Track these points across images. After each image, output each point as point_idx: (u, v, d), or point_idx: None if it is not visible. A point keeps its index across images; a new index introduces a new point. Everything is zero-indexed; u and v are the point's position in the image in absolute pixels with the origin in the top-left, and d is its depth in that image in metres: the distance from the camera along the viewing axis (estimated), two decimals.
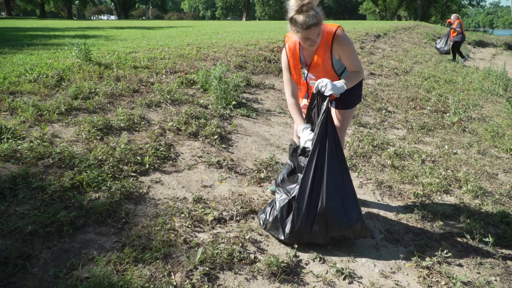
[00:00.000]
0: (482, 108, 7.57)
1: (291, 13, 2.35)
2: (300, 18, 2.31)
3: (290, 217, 2.49)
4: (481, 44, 22.89)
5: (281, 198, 2.57)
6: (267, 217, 2.63)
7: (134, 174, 3.06)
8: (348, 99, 2.86)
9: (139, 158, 3.25)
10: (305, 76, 2.83)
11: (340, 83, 2.46)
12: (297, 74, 2.70)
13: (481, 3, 52.53)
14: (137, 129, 3.80)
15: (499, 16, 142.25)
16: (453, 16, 13.56)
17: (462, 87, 9.10)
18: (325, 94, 2.42)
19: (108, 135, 3.55)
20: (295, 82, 2.71)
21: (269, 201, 2.75)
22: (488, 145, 5.42)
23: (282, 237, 2.53)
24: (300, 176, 2.48)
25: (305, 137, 2.50)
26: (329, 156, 2.42)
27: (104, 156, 3.11)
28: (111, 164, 3.03)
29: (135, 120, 3.88)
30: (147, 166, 3.20)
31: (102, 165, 3.01)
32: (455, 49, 13.46)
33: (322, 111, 2.43)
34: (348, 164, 4.00)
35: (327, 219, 2.44)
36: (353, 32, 14.05)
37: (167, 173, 3.24)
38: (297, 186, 2.48)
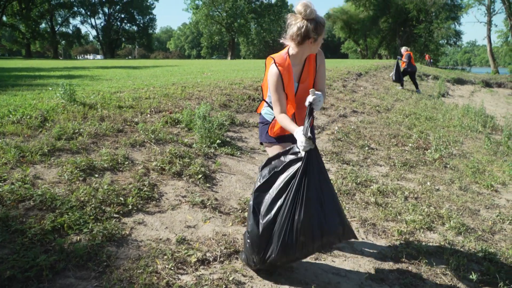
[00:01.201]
0: (463, 145, 7.75)
1: (309, 25, 2.45)
2: (321, 19, 2.50)
3: (275, 235, 2.40)
4: (460, 81, 23.67)
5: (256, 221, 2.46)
6: (246, 248, 2.55)
7: (117, 216, 3.02)
8: None
9: (122, 199, 3.22)
10: (295, 91, 2.73)
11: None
12: (290, 90, 2.64)
13: (458, 43, 54.74)
14: (120, 169, 3.78)
15: (476, 54, 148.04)
16: (403, 48, 14.75)
17: (442, 124, 9.34)
18: (315, 108, 2.43)
19: (91, 175, 3.52)
20: (285, 102, 2.63)
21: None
22: (469, 181, 5.52)
23: (269, 258, 2.43)
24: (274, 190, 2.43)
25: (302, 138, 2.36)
26: (310, 167, 2.39)
27: (86, 198, 3.08)
28: (93, 205, 3.00)
29: (119, 160, 3.87)
30: (130, 207, 3.17)
31: (84, 207, 2.97)
32: (412, 79, 14.67)
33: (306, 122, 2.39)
34: None
35: (311, 227, 2.38)
36: (336, 71, 14.44)
37: (151, 213, 3.21)
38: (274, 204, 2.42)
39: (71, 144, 3.96)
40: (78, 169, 3.50)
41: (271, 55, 2.70)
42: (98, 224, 2.82)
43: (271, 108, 2.77)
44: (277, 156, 2.55)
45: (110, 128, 4.58)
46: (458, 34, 51.16)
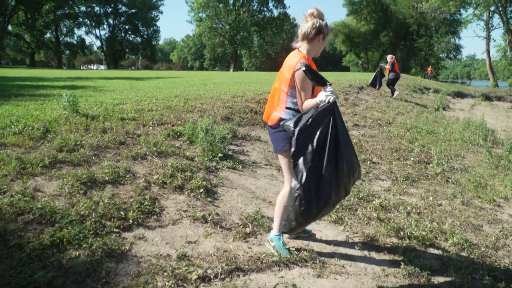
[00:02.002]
0: (464, 158, 7.72)
1: (321, 21, 2.94)
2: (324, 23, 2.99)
3: (327, 182, 2.72)
4: (460, 95, 23.71)
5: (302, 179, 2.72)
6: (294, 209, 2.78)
7: (117, 230, 3.00)
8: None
9: (122, 213, 3.19)
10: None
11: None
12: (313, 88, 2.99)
13: (457, 56, 55.00)
14: (121, 182, 3.77)
15: (476, 68, 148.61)
16: (388, 56, 14.84)
17: (444, 137, 9.32)
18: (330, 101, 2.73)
19: (92, 189, 3.50)
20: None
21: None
22: (472, 195, 5.48)
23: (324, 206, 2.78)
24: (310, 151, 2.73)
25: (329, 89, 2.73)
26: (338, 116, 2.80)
27: (86, 211, 3.06)
28: (93, 219, 2.97)
29: (120, 173, 3.86)
30: (130, 221, 3.14)
31: (84, 221, 2.95)
32: (390, 85, 14.84)
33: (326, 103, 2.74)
34: (334, 217, 4.00)
35: (348, 170, 2.79)
36: (337, 84, 14.48)
37: (151, 228, 3.18)
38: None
39: (72, 156, 3.95)
40: (79, 181, 3.49)
41: (301, 55, 2.96)
42: (98, 239, 2.79)
43: (292, 110, 3.00)
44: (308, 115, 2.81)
45: (112, 140, 4.58)
46: (457, 48, 51.43)
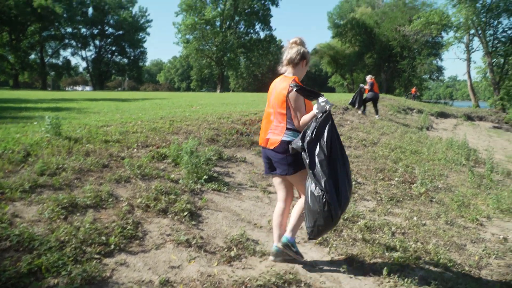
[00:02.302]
0: (447, 178, 7.82)
1: (305, 49, 3.28)
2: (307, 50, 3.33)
3: (342, 184, 3.04)
4: (443, 115, 24.14)
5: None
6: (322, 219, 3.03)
7: (98, 256, 2.93)
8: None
9: (104, 238, 3.14)
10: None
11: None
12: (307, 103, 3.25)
13: (440, 78, 56.19)
14: (104, 206, 3.71)
15: (458, 88, 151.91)
16: (368, 77, 15.46)
17: (427, 157, 9.44)
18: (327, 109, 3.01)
19: (73, 213, 3.44)
20: None
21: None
22: (455, 215, 5.54)
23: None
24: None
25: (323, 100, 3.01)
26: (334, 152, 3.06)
27: (66, 237, 2.99)
28: (73, 245, 2.91)
29: (103, 197, 3.80)
30: (112, 246, 3.08)
31: (64, 247, 2.88)
32: (365, 102, 15.06)
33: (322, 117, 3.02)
34: (319, 239, 3.98)
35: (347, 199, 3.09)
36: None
37: (133, 253, 3.12)
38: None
39: (53, 180, 3.88)
40: (59, 206, 3.42)
41: (292, 80, 3.20)
42: (78, 266, 2.72)
43: (292, 130, 3.21)
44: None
45: (95, 163, 4.53)
46: (440, 70, 52.61)
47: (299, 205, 3.32)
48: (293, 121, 3.19)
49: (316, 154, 2.98)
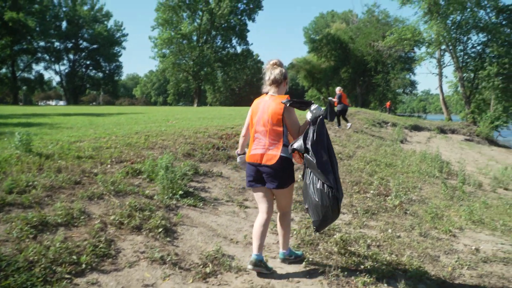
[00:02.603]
0: (421, 190, 7.97)
1: (284, 69, 3.63)
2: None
3: (339, 180, 3.38)
4: (417, 128, 24.71)
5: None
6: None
7: (68, 276, 2.86)
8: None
9: (75, 257, 3.06)
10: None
11: None
12: None
13: (413, 92, 57.73)
14: (75, 224, 3.62)
15: (431, 102, 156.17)
16: (337, 89, 16.00)
17: (401, 170, 9.62)
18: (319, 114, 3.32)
19: (43, 232, 3.34)
20: None
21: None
22: (429, 226, 5.63)
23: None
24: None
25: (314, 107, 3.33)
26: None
27: (36, 257, 2.90)
28: (43, 265, 2.83)
29: (74, 215, 3.71)
30: (83, 266, 3.00)
31: (33, 267, 2.79)
32: (337, 116, 15.56)
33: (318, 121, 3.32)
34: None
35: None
36: (300, 119, 14.74)
37: (106, 272, 3.05)
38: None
39: (23, 198, 3.77)
40: (28, 225, 3.33)
41: (280, 97, 3.52)
42: (47, 286, 2.65)
43: (286, 146, 3.46)
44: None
45: (67, 180, 4.43)
46: (413, 84, 54.14)
47: (283, 221, 3.65)
48: (287, 138, 3.50)
49: (322, 153, 3.27)
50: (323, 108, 3.43)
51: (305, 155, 3.28)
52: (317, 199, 3.26)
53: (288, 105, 3.36)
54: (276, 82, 3.56)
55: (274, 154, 3.39)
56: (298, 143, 3.32)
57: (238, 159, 3.86)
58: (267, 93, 3.63)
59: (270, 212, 3.59)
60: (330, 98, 15.59)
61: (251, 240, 4.15)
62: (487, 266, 4.38)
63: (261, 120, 3.49)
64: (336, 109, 15.38)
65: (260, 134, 3.49)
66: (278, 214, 3.67)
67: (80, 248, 3.22)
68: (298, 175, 6.09)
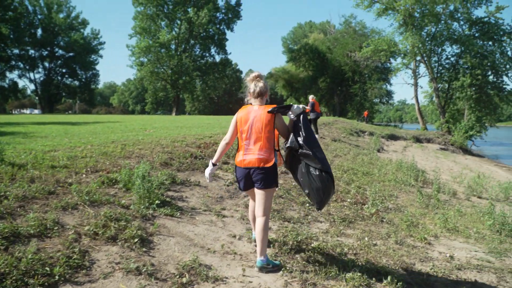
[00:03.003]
0: (397, 198, 8.11)
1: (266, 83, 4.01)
2: None
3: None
4: (393, 137, 25.18)
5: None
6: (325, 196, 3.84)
7: None
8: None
9: (48, 268, 2.98)
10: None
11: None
12: None
13: (390, 101, 58.91)
14: (49, 235, 3.54)
15: (407, 112, 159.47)
16: (310, 97, 16.35)
17: (378, 178, 9.77)
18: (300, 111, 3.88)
19: (14, 243, 3.25)
20: None
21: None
22: (405, 234, 5.72)
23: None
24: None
25: (294, 107, 3.89)
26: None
27: (7, 269, 2.82)
28: (14, 277, 2.74)
29: (48, 225, 3.63)
30: (56, 277, 2.93)
31: (4, 280, 2.71)
32: (311, 122, 15.75)
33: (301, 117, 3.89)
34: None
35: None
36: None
37: (80, 284, 2.99)
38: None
39: None
40: (0, 236, 3.23)
41: (265, 107, 3.90)
42: None
43: (275, 150, 3.89)
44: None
45: (40, 190, 4.33)
46: (389, 94, 55.32)
47: (262, 227, 3.76)
48: (274, 143, 3.89)
49: (313, 145, 3.80)
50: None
51: (300, 150, 3.79)
52: (318, 184, 3.74)
53: (274, 112, 3.81)
54: (261, 95, 3.93)
55: (270, 158, 3.80)
56: (291, 142, 3.84)
57: (209, 170, 4.03)
58: (251, 104, 3.99)
59: (267, 212, 3.87)
60: (302, 106, 15.98)
61: (229, 249, 4.15)
62: (461, 273, 4.48)
63: (253, 128, 3.81)
64: (309, 117, 15.60)
65: (253, 141, 3.81)
66: (258, 220, 3.81)
67: (53, 259, 3.14)
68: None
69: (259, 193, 3.82)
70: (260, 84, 3.92)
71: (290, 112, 3.88)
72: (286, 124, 3.96)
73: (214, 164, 4.05)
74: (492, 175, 15.51)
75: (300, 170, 3.87)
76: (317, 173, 3.76)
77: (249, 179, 3.86)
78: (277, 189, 4.01)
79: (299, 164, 3.88)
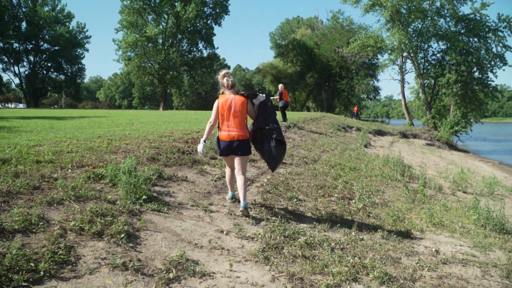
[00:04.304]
0: (384, 193, 8.18)
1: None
2: None
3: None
4: (380, 133, 25.37)
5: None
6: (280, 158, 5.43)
7: (26, 284, 2.74)
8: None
9: (32, 264, 2.94)
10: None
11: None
12: None
13: (377, 97, 59.28)
14: (34, 230, 3.49)
15: (393, 107, 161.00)
16: (279, 85, 16.41)
17: (365, 173, 9.84)
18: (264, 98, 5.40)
19: None
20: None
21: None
22: (391, 229, 5.77)
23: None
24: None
25: (260, 96, 5.37)
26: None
27: None
28: None
29: (33, 221, 3.58)
30: (41, 273, 2.90)
31: None
32: (282, 112, 16.34)
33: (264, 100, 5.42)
34: (261, 257, 4.00)
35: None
36: None
37: (65, 279, 2.95)
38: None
39: None
40: None
41: (241, 94, 5.28)
42: None
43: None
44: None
45: (25, 185, 4.27)
46: (376, 90, 55.60)
47: (243, 182, 5.09)
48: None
49: (276, 123, 5.32)
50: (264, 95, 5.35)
51: (267, 127, 5.25)
52: (274, 153, 5.26)
53: (248, 97, 5.26)
54: (233, 86, 5.27)
55: (246, 132, 5.19)
56: (260, 122, 5.28)
57: (201, 146, 5.25)
58: (226, 94, 5.24)
59: (245, 172, 5.22)
60: (271, 97, 16.32)
61: (216, 244, 4.15)
62: (447, 268, 4.53)
63: (231, 111, 5.09)
64: (278, 105, 16.02)
65: (233, 121, 5.08)
66: (239, 177, 5.13)
67: (39, 255, 3.10)
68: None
69: (239, 159, 5.16)
70: (231, 78, 5.26)
71: (255, 100, 5.28)
72: (253, 109, 5.32)
73: (204, 141, 5.27)
74: (477, 170, 15.75)
75: (262, 141, 5.30)
76: (274, 144, 5.22)
77: (230, 149, 5.11)
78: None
79: (262, 137, 5.30)
